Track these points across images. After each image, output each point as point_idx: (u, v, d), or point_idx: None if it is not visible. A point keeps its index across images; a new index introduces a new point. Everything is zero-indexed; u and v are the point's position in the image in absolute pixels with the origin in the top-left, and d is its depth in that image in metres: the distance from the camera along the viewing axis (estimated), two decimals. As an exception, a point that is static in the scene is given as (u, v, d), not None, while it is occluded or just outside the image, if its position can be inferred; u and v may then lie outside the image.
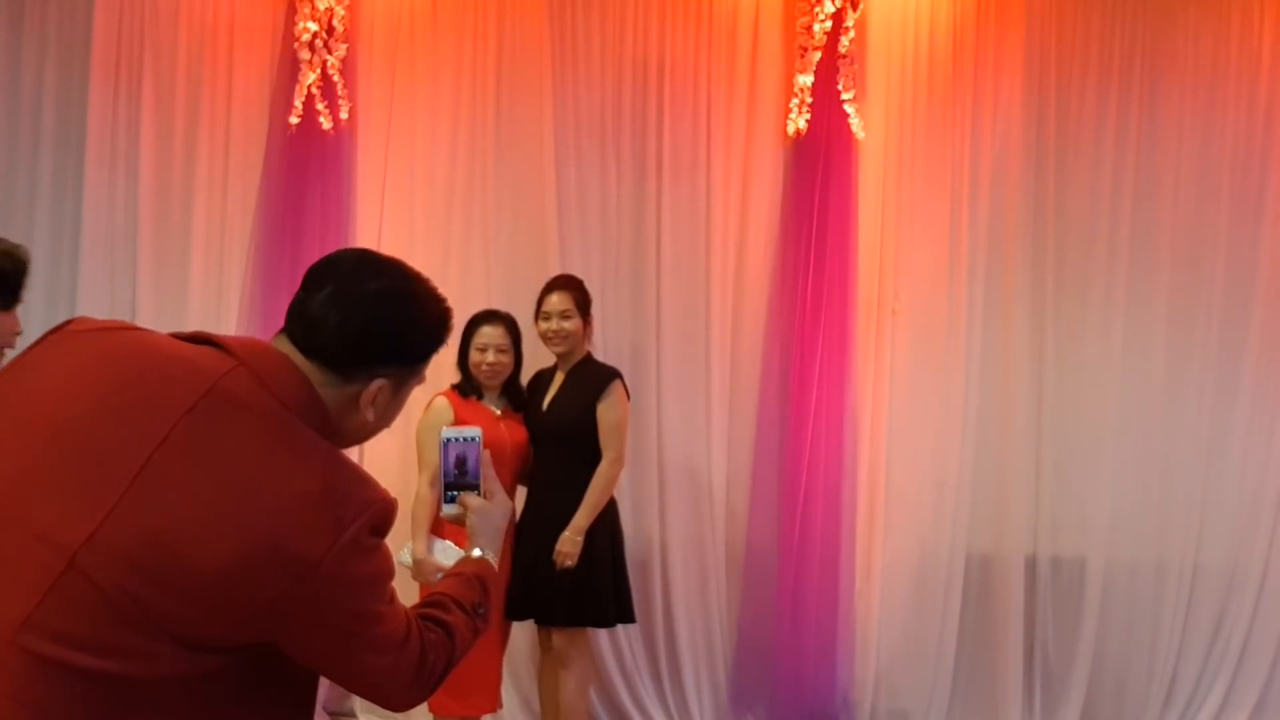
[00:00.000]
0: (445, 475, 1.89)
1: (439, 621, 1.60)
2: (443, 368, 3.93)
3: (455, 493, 1.88)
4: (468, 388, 4.01)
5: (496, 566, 1.80)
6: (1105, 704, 4.79)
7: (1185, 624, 4.80)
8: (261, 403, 1.42)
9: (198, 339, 1.49)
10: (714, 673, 4.74)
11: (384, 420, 1.60)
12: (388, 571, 1.51)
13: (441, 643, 1.58)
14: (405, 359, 1.56)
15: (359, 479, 1.48)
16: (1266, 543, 4.80)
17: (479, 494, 1.87)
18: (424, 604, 1.64)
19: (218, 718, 1.41)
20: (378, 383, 1.52)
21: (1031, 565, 4.79)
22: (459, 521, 1.86)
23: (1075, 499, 4.80)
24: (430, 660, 1.55)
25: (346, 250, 1.64)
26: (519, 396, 4.12)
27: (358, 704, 4.72)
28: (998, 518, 4.78)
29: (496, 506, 1.86)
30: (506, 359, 4.03)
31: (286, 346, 1.50)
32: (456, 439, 1.92)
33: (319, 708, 4.61)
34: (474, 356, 3.99)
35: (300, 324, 1.50)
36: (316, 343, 1.49)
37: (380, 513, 1.46)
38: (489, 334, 4.00)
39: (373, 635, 1.47)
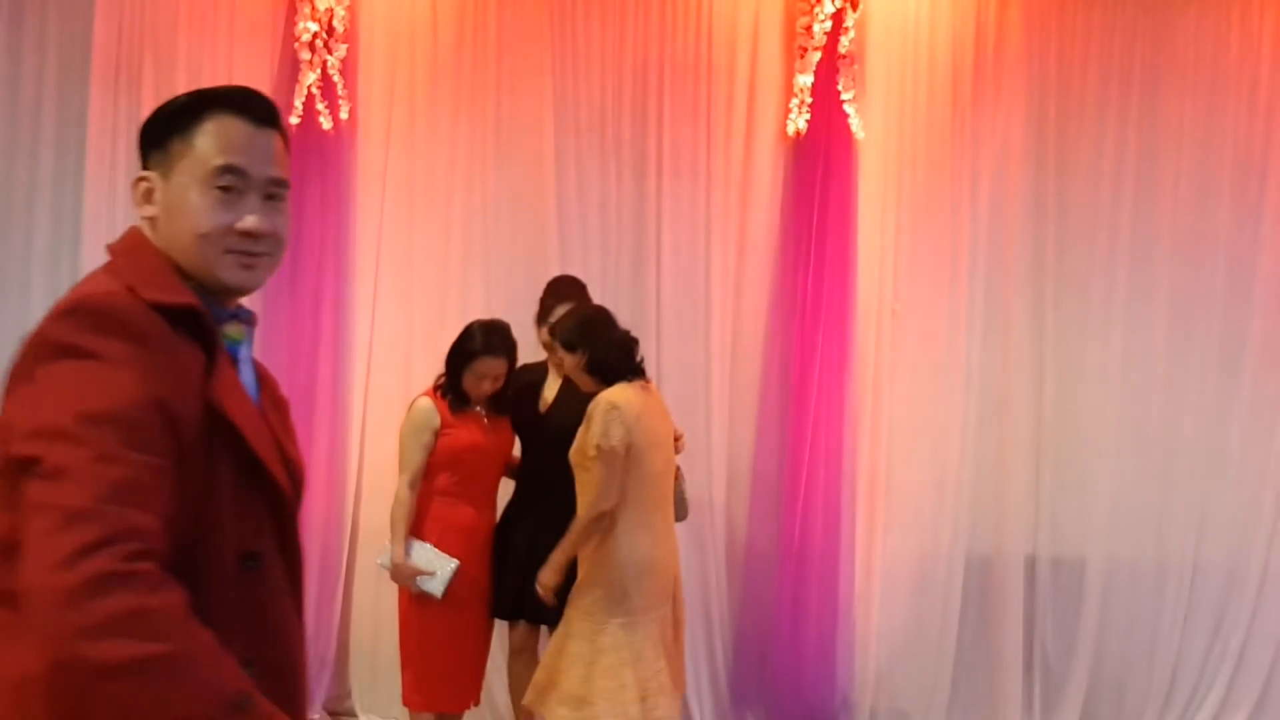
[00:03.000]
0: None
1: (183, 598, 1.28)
2: (425, 366, 3.97)
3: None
4: (457, 402, 3.91)
5: None
6: (1105, 703, 4.79)
7: (1185, 624, 4.80)
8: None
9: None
10: (714, 672, 4.74)
11: (171, 217, 1.49)
12: (76, 378, 1.31)
13: (171, 608, 1.24)
14: (152, 141, 1.52)
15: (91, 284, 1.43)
16: (1266, 542, 4.80)
17: None
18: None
19: None
20: (138, 176, 1.52)
21: (1031, 565, 4.80)
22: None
23: (1075, 499, 4.80)
24: (116, 591, 1.20)
25: None
26: (504, 401, 4.04)
27: (358, 703, 4.72)
28: (997, 518, 4.78)
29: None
30: (500, 383, 3.95)
31: None
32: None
33: (319, 707, 4.61)
34: (469, 380, 3.87)
35: None
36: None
37: (65, 305, 1.37)
38: (492, 365, 3.89)
39: (43, 461, 1.26)
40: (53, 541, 1.23)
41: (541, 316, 4.07)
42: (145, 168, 1.52)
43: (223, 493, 1.44)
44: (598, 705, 3.51)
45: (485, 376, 3.89)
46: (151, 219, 1.50)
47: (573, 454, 3.64)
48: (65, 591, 1.20)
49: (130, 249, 1.50)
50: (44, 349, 1.37)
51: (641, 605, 3.61)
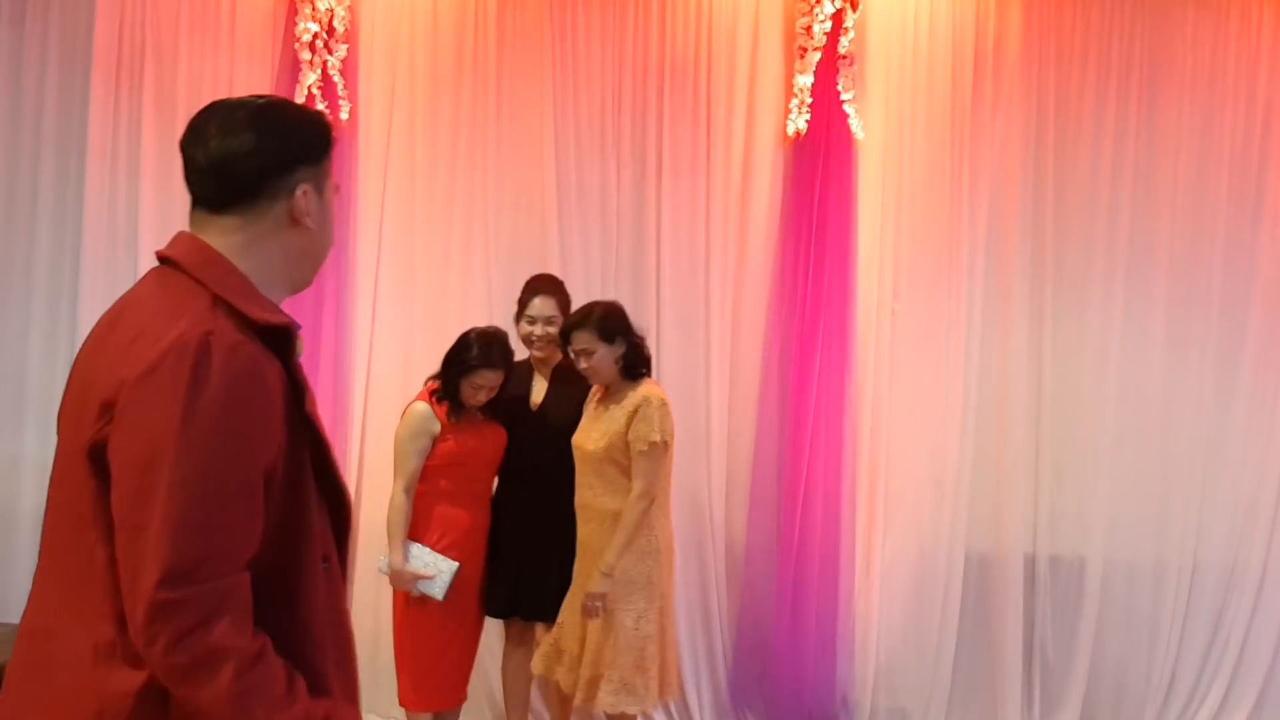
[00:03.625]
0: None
1: (290, 672, 1.51)
2: (425, 367, 3.97)
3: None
4: (454, 409, 3.90)
5: None
6: (1104, 702, 4.80)
7: (1184, 623, 4.81)
8: (154, 278, 1.59)
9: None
10: (714, 672, 4.75)
11: (324, 231, 1.66)
12: (192, 431, 1.40)
13: (273, 679, 1.47)
14: (310, 155, 1.62)
15: (179, 312, 1.50)
16: (1265, 541, 4.81)
17: None
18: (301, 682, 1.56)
19: None
20: (302, 188, 1.60)
21: (1030, 564, 4.81)
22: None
23: (1074, 498, 4.80)
24: (230, 671, 1.41)
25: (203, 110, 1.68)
26: (496, 401, 4.03)
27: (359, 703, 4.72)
28: (997, 517, 4.79)
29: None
30: (495, 393, 3.95)
31: (199, 220, 1.61)
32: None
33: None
34: (466, 391, 3.88)
35: (207, 180, 1.59)
36: (231, 180, 1.57)
37: (178, 342, 1.44)
38: (489, 378, 3.89)
39: (166, 492, 1.39)
40: None
41: (520, 312, 4.09)
42: (296, 180, 1.60)
43: (311, 499, 1.58)
44: (649, 690, 3.74)
45: (482, 388, 3.89)
46: (292, 231, 1.61)
47: (606, 449, 3.75)
48: None
49: (212, 263, 1.57)
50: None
51: (670, 589, 3.86)
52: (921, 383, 4.80)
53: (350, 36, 4.67)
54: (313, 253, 1.66)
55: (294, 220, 1.60)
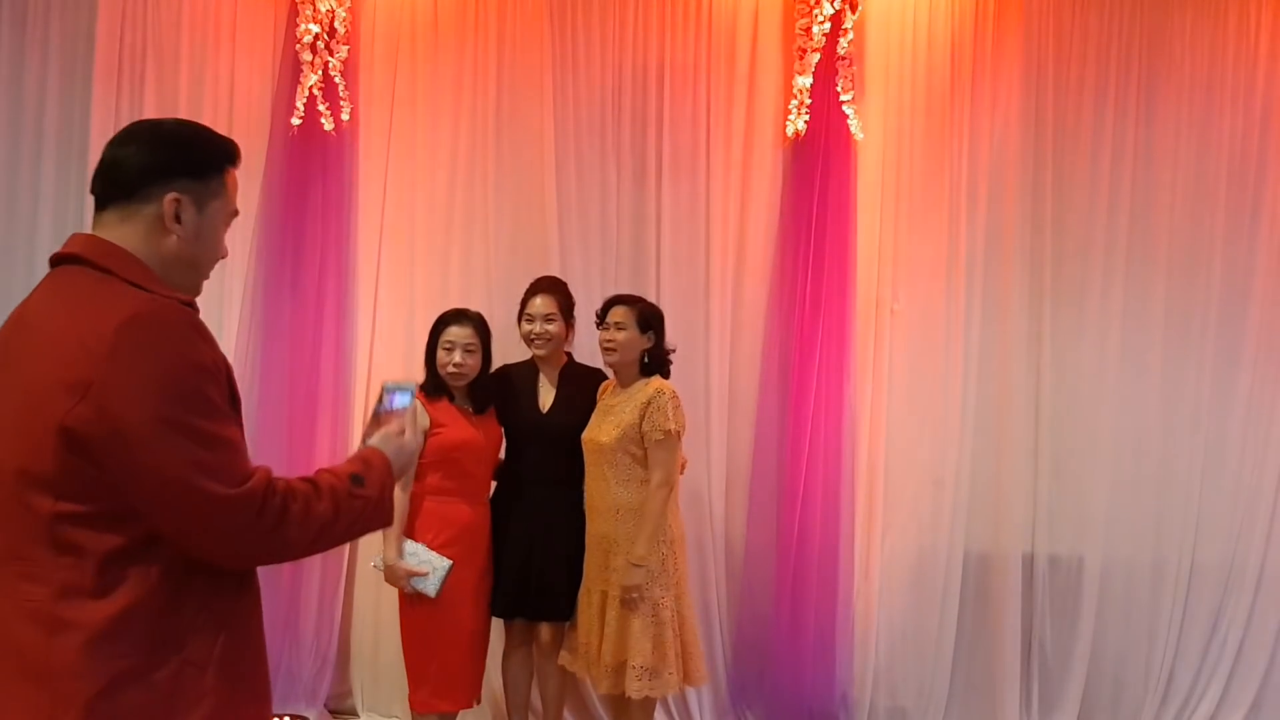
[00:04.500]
0: (373, 414, 2.09)
1: (303, 479, 1.75)
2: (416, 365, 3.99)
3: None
4: (434, 388, 3.95)
5: (396, 477, 1.97)
6: (1103, 702, 4.81)
7: (1182, 622, 4.82)
8: (61, 280, 1.71)
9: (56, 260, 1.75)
10: (713, 671, 4.75)
11: (200, 241, 1.78)
12: (184, 381, 1.61)
13: (300, 489, 1.71)
14: (191, 169, 1.76)
15: (116, 296, 1.64)
16: (1263, 541, 4.82)
17: None
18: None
19: (163, 588, 1.62)
20: (170, 195, 1.73)
21: (1029, 563, 4.82)
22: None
23: (1073, 498, 4.82)
24: (278, 500, 1.66)
25: None
26: (488, 398, 4.07)
27: (359, 702, 4.74)
28: (995, 516, 4.80)
29: (406, 443, 2.05)
30: (474, 360, 3.97)
31: (96, 219, 1.77)
32: (395, 389, 2.09)
33: (320, 706, 4.64)
34: (441, 356, 3.93)
35: (98, 179, 1.77)
36: (112, 179, 1.75)
37: (137, 316, 1.60)
38: (456, 334, 3.95)
39: (201, 457, 1.60)
40: None
41: (521, 312, 4.14)
42: (169, 189, 1.74)
43: None
44: (671, 674, 3.88)
45: (455, 346, 3.94)
46: (163, 235, 1.74)
47: (619, 440, 3.89)
48: None
49: (112, 253, 1.72)
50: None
51: (685, 576, 4.02)
52: (921, 382, 4.81)
53: (351, 38, 4.68)
54: (187, 260, 1.77)
55: (164, 226, 1.73)
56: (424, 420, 3.88)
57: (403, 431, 2.03)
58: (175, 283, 1.74)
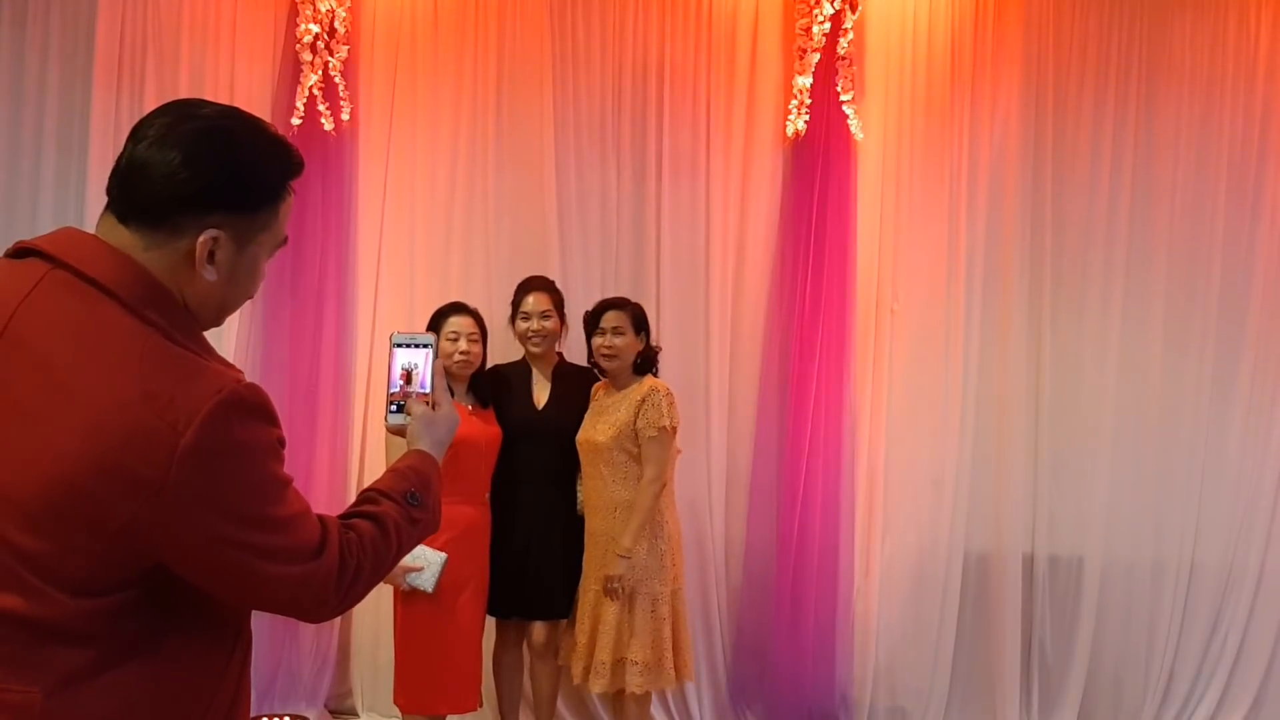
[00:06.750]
0: (390, 385, 1.75)
1: (365, 515, 1.54)
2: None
3: (401, 403, 1.74)
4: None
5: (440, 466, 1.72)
6: (1102, 701, 4.81)
7: (1182, 622, 4.83)
8: (74, 306, 1.34)
9: (20, 251, 1.42)
10: (713, 671, 4.76)
11: (235, 284, 1.45)
12: (263, 470, 1.38)
13: (369, 536, 1.51)
14: (238, 202, 1.40)
15: (186, 374, 1.32)
16: (1263, 542, 4.83)
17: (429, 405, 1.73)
18: (352, 505, 1.59)
19: (143, 649, 1.35)
20: (209, 233, 1.38)
21: (1029, 564, 4.82)
22: (402, 432, 1.75)
23: (1073, 498, 4.82)
24: (354, 562, 1.46)
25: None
26: (485, 393, 4.08)
27: (359, 702, 4.74)
28: (995, 516, 4.80)
29: (443, 417, 1.75)
30: (478, 349, 4.01)
31: (107, 224, 1.41)
32: (408, 343, 1.74)
33: (320, 706, 4.63)
34: (445, 347, 3.93)
35: (119, 182, 1.40)
36: (137, 195, 1.37)
37: (223, 404, 1.31)
38: (459, 323, 3.97)
39: (271, 545, 1.37)
40: None
41: (514, 311, 4.18)
42: (206, 223, 1.38)
43: None
44: (667, 668, 3.94)
45: (460, 336, 3.96)
46: (190, 271, 1.40)
47: (615, 438, 3.93)
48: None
49: (152, 294, 1.39)
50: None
51: (682, 574, 4.07)
52: (921, 383, 4.81)
53: (351, 38, 4.68)
54: (215, 304, 1.44)
55: (192, 263, 1.38)
56: None
57: (435, 405, 1.74)
58: (199, 320, 1.45)
